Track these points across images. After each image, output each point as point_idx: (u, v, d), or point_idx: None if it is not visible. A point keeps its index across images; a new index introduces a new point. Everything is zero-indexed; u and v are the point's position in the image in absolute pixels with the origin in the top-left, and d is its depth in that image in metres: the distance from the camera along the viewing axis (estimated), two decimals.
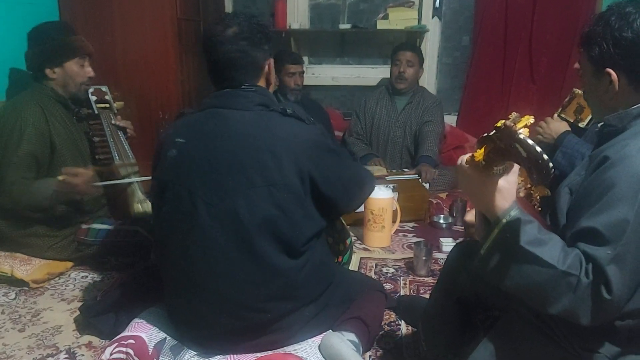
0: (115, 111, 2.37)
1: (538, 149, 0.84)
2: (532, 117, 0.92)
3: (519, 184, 1.11)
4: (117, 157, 2.23)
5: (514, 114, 0.94)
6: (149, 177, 1.58)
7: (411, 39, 3.86)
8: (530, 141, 0.85)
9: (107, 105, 2.34)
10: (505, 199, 1.01)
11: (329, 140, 1.49)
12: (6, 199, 2.03)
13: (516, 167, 1.01)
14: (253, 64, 1.45)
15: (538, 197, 1.33)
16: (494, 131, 0.90)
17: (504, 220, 1.01)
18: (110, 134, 2.27)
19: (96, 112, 2.30)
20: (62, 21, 2.32)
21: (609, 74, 1.12)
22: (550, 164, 0.84)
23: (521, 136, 0.86)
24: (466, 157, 1.02)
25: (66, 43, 2.14)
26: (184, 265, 1.40)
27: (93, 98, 2.30)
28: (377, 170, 2.89)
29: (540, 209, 1.31)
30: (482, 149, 0.95)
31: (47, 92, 2.14)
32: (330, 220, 1.54)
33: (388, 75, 3.40)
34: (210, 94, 1.49)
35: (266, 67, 1.49)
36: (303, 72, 3.27)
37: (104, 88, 2.37)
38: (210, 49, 1.42)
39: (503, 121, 0.89)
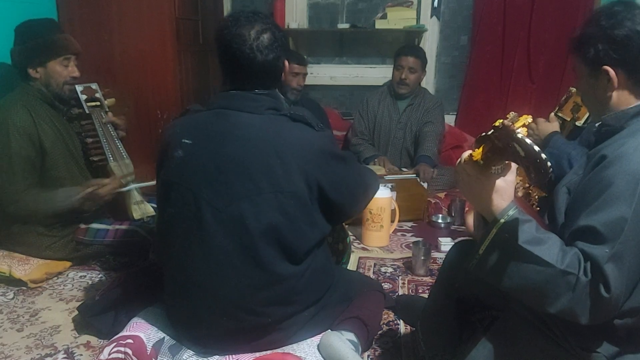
0: (107, 109, 2.31)
1: (536, 148, 0.84)
2: (530, 116, 0.93)
3: (517, 183, 1.11)
4: (111, 157, 2.21)
5: (512, 113, 0.94)
6: (154, 182, 1.57)
7: (410, 39, 3.87)
8: (528, 140, 0.85)
9: (98, 103, 2.28)
10: (503, 199, 1.02)
11: (337, 147, 1.48)
12: (18, 208, 2.02)
13: (514, 166, 1.01)
14: (279, 71, 1.46)
15: (537, 197, 1.33)
16: (492, 130, 0.90)
17: (502, 220, 1.01)
18: (103, 134, 2.23)
19: (87, 111, 2.24)
20: (48, 19, 2.27)
21: (607, 72, 1.12)
22: (549, 163, 0.84)
23: (519, 135, 0.86)
24: (465, 155, 1.02)
25: (50, 42, 2.09)
26: (186, 266, 1.40)
27: (83, 97, 2.24)
28: (376, 169, 2.89)
29: (538, 208, 1.31)
30: (480, 149, 0.95)
31: (34, 93, 2.10)
32: (335, 225, 1.53)
33: (386, 75, 3.40)
34: (219, 94, 1.47)
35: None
36: (306, 74, 3.27)
37: (94, 85, 2.31)
38: (242, 52, 1.37)
39: (501, 120, 0.89)
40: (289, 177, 1.34)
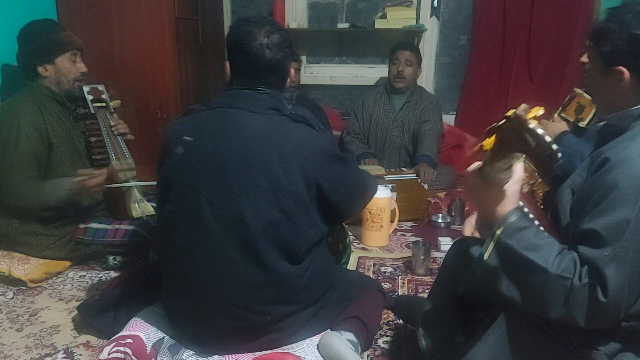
0: (112, 110, 2.35)
1: (547, 138, 0.84)
2: (542, 108, 0.92)
3: (522, 179, 1.12)
4: (114, 157, 2.22)
5: (523, 105, 0.93)
6: (153, 183, 1.59)
7: (409, 39, 3.87)
8: (540, 130, 0.85)
9: (104, 104, 2.32)
10: (505, 206, 1.04)
11: (337, 148, 1.50)
12: (14, 200, 2.04)
13: (517, 176, 1.03)
14: (286, 71, 1.49)
15: (541, 195, 1.33)
16: (504, 120, 0.90)
17: (502, 227, 1.03)
18: (107, 134, 2.26)
19: (93, 111, 2.28)
20: (49, 19, 2.33)
21: (621, 72, 1.10)
22: (559, 154, 0.84)
23: (531, 125, 0.86)
24: (474, 165, 1.05)
25: (55, 39, 2.14)
26: (185, 264, 1.39)
27: (89, 97, 2.28)
28: (376, 169, 2.89)
29: (542, 206, 1.32)
30: (492, 138, 0.95)
31: (43, 91, 2.14)
32: (332, 226, 1.54)
33: (386, 75, 3.41)
34: (222, 93, 1.48)
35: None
36: (299, 70, 3.26)
37: (101, 87, 2.35)
38: (252, 48, 1.40)
39: (513, 110, 0.89)
40: (289, 176, 1.34)
